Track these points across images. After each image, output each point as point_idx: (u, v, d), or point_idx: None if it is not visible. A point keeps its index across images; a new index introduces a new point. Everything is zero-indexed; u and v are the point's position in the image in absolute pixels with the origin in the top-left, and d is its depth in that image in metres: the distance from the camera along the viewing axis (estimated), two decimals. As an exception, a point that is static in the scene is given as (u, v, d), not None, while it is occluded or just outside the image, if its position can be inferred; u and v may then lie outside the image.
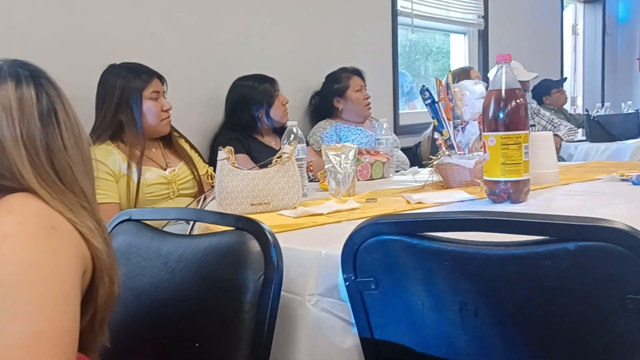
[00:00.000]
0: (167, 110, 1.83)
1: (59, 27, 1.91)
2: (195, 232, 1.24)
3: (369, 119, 2.79)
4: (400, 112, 3.46)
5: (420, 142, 3.10)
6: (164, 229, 1.20)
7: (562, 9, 4.96)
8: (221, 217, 0.88)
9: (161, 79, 1.86)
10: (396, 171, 2.26)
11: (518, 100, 1.19)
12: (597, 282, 0.66)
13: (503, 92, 1.19)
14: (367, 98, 2.69)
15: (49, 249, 0.64)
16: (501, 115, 1.19)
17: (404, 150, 2.85)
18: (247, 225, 0.84)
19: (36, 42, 1.84)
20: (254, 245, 0.82)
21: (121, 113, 1.76)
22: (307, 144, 2.56)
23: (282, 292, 0.89)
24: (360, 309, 0.82)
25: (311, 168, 2.00)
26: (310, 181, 1.98)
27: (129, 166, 1.72)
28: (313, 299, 0.88)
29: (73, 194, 0.72)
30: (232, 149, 1.34)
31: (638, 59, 5.74)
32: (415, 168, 2.15)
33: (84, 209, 0.72)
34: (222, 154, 1.31)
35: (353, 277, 0.80)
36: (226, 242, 0.84)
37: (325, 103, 2.75)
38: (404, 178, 1.92)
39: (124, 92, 1.76)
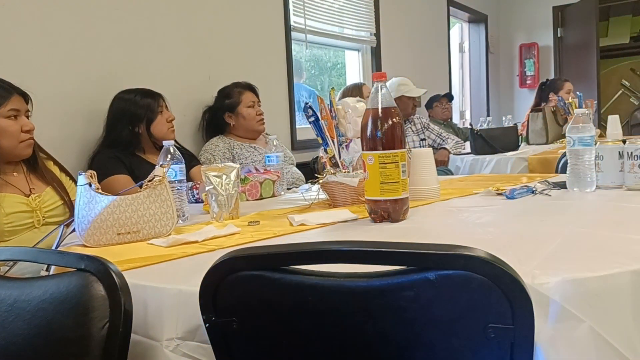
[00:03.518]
0: (28, 131, 1.64)
1: None
2: (52, 269, 1.10)
3: (264, 135, 2.73)
4: (297, 127, 3.44)
5: (317, 157, 3.09)
6: (14, 269, 1.05)
7: (449, 28, 5.24)
8: (60, 257, 0.77)
9: (24, 95, 1.68)
10: (288, 188, 2.22)
11: (394, 119, 1.18)
12: (460, 312, 0.63)
13: (380, 111, 1.18)
14: (260, 114, 2.63)
15: None
16: (378, 134, 1.17)
17: (301, 165, 2.82)
18: (89, 266, 0.73)
19: None
20: (98, 289, 0.72)
21: (-27, 133, 1.56)
22: (199, 162, 2.44)
23: (137, 337, 0.80)
24: (223, 352, 0.74)
25: (197, 188, 1.90)
26: (196, 202, 1.88)
27: (-18, 193, 1.52)
28: (172, 343, 0.79)
29: None
30: (95, 173, 1.21)
31: (518, 75, 6.20)
32: (308, 185, 2.11)
33: None
34: (82, 178, 1.18)
35: (213, 318, 0.73)
36: (65, 287, 0.73)
37: (217, 118, 2.66)
38: (294, 196, 1.87)
39: (-25, 109, 1.56)
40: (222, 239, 1.17)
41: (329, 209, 1.45)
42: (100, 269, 0.73)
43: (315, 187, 1.56)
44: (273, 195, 1.92)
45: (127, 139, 2.16)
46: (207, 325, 0.73)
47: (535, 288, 0.70)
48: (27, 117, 1.68)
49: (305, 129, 3.58)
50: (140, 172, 2.12)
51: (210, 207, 1.47)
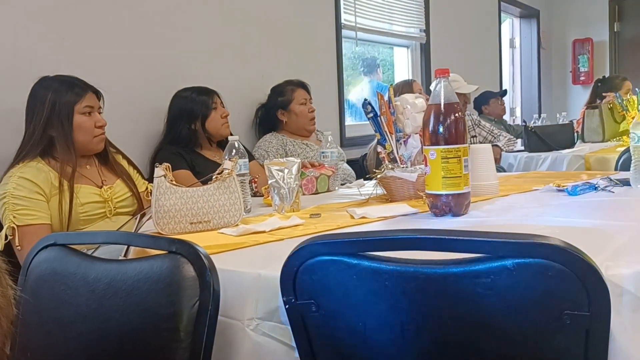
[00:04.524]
0: (100, 127, 1.74)
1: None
2: (130, 254, 1.18)
3: (315, 132, 2.78)
4: (346, 124, 3.48)
5: (366, 154, 3.12)
6: (97, 252, 1.13)
7: (500, 23, 5.16)
8: (153, 241, 0.83)
9: (97, 93, 1.78)
10: (342, 184, 2.26)
11: (456, 115, 1.20)
12: (536, 299, 0.66)
13: (442, 106, 1.20)
14: (312, 111, 2.68)
15: None
16: (440, 129, 1.19)
17: (350, 162, 2.85)
18: (180, 249, 0.79)
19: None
20: (189, 270, 0.78)
21: (51, 128, 1.67)
22: (253, 158, 2.52)
23: (219, 318, 0.85)
24: (301, 332, 0.79)
25: (256, 182, 1.97)
26: (254, 196, 1.94)
27: (60, 184, 1.63)
28: (252, 323, 0.85)
29: None
30: (170, 166, 1.29)
31: (571, 72, 6.03)
32: (361, 180, 2.15)
33: None
34: (159, 171, 1.26)
35: (293, 300, 0.78)
36: (158, 268, 0.79)
37: (270, 116, 2.72)
38: (349, 191, 1.91)
39: (55, 106, 1.67)
40: (288, 230, 1.22)
41: (387, 204, 1.48)
42: (190, 251, 0.79)
43: (372, 182, 1.59)
44: (328, 190, 1.96)
45: (186, 136, 2.25)
46: (287, 306, 0.78)
47: (609, 279, 0.71)
48: (100, 113, 1.78)
49: (354, 126, 3.62)
50: (200, 168, 2.20)
51: (272, 200, 1.52)
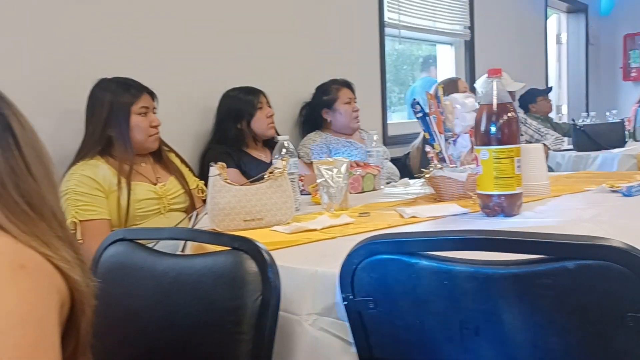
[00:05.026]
0: (155, 127, 1.81)
1: (50, 38, 1.89)
2: (187, 249, 1.23)
3: (358, 131, 2.79)
4: (388, 122, 3.48)
5: (409, 152, 3.11)
6: (157, 247, 1.18)
7: (546, 18, 5.04)
8: (216, 237, 0.87)
9: (151, 94, 1.85)
10: (386, 183, 2.27)
11: (509, 115, 1.20)
12: (596, 300, 0.66)
13: (495, 106, 1.20)
14: (356, 111, 2.70)
15: (18, 292, 0.58)
16: (493, 129, 1.19)
17: (393, 161, 2.85)
18: (243, 245, 0.83)
19: (24, 53, 1.82)
20: (251, 265, 0.81)
21: (110, 128, 1.75)
22: (297, 156, 2.55)
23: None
24: (359, 329, 0.81)
25: (302, 181, 2.00)
26: (300, 193, 1.97)
27: (118, 181, 1.70)
28: (310, 318, 0.88)
29: (45, 222, 0.65)
30: (225, 165, 1.33)
31: (621, 67, 5.83)
32: (407, 180, 2.15)
33: (58, 239, 0.66)
34: (214, 169, 1.30)
35: (351, 297, 0.80)
36: (222, 263, 0.83)
37: (315, 115, 2.75)
38: (395, 190, 1.92)
39: (113, 107, 1.75)
40: (339, 228, 1.24)
41: (436, 203, 1.48)
42: (252, 247, 0.82)
43: (420, 181, 1.60)
44: (373, 189, 1.98)
45: (233, 136, 2.30)
46: (345, 303, 0.81)
47: (673, 282, 0.71)
48: (154, 113, 1.85)
49: (395, 125, 3.61)
50: (247, 166, 2.26)
51: (320, 199, 1.55)
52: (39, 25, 1.87)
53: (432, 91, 1.49)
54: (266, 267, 0.80)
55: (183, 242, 1.25)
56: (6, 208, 0.62)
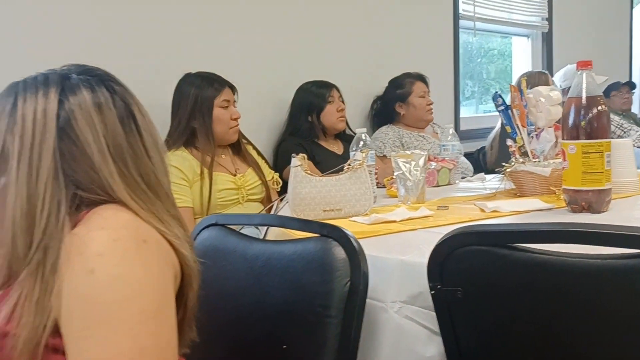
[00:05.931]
0: (235, 119, 1.88)
1: (137, 36, 2.00)
2: (268, 236, 1.27)
3: (430, 125, 2.76)
4: (461, 116, 3.41)
5: (482, 147, 3.05)
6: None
7: (632, 7, 4.75)
8: (305, 224, 0.91)
9: (232, 88, 1.92)
10: (461, 177, 2.24)
11: (600, 108, 1.16)
12: None
13: (584, 99, 1.16)
14: (430, 104, 2.67)
15: (143, 263, 0.63)
16: (582, 123, 1.16)
17: (466, 155, 2.80)
18: (332, 232, 0.86)
19: (114, 49, 1.94)
20: (339, 252, 0.84)
21: (194, 120, 1.83)
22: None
23: (364, 298, 0.91)
24: (446, 318, 0.82)
25: (377, 174, 2.01)
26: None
27: (201, 172, 1.78)
28: (396, 305, 0.89)
29: (160, 201, 0.71)
30: (305, 156, 1.37)
31: None
32: (482, 174, 2.11)
33: (172, 217, 0.71)
34: (296, 160, 1.34)
35: (439, 286, 0.81)
36: (311, 249, 0.86)
37: (388, 108, 2.75)
38: (471, 185, 1.89)
39: (197, 100, 1.83)
40: (419, 220, 1.25)
41: (517, 198, 1.45)
42: (341, 235, 0.85)
43: (497, 176, 1.57)
44: (448, 183, 1.96)
45: (305, 128, 2.35)
46: (432, 292, 0.82)
47: None
48: (234, 107, 1.92)
49: (468, 119, 3.54)
50: (319, 158, 2.29)
51: (397, 191, 1.56)
52: (129, 25, 1.98)
53: (515, 84, 1.46)
54: (355, 253, 0.83)
55: (265, 228, 1.30)
56: (129, 187, 0.69)
